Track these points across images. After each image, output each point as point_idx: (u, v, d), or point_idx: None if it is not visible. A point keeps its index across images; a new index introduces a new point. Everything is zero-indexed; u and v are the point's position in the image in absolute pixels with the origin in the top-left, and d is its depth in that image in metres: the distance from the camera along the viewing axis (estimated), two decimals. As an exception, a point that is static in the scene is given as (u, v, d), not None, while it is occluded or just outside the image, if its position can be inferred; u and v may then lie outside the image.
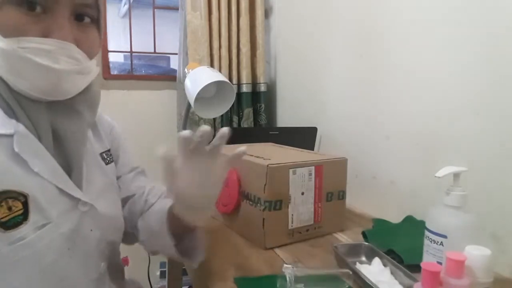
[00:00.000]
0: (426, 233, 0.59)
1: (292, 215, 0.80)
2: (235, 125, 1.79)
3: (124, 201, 0.72)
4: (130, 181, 0.74)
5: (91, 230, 0.57)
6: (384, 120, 1.04)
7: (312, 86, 1.45)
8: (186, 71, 1.16)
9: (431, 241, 0.58)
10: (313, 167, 0.81)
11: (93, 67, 0.56)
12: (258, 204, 0.77)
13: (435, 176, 0.57)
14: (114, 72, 2.09)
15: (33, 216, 0.49)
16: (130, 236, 0.73)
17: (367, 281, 0.58)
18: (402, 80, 0.97)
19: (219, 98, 1.15)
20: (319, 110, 1.39)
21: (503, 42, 0.70)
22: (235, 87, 1.74)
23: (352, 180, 0.99)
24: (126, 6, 4.48)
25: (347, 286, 0.59)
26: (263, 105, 1.81)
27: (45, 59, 0.47)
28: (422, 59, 0.90)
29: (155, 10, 2.04)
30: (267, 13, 1.83)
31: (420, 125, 0.91)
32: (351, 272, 0.60)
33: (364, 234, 0.83)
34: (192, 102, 1.08)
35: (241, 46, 1.76)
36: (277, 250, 0.77)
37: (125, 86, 1.85)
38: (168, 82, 1.89)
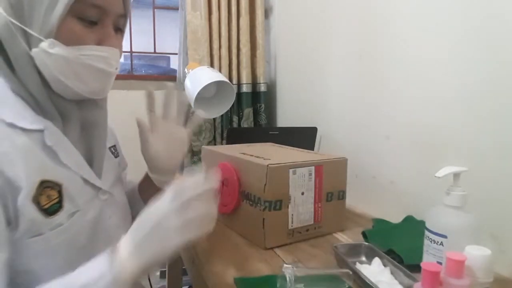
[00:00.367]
0: (426, 233, 0.59)
1: (292, 215, 0.80)
2: (235, 125, 1.80)
3: None
4: (124, 179, 0.79)
5: (110, 217, 0.63)
6: (384, 120, 1.04)
7: (312, 86, 1.45)
8: (186, 71, 1.16)
9: (431, 241, 0.58)
10: (313, 167, 0.81)
11: None
12: (258, 204, 0.77)
13: (435, 176, 0.57)
14: (114, 72, 2.08)
15: (66, 204, 0.54)
16: None
17: (367, 281, 0.58)
18: (402, 80, 0.97)
19: (219, 98, 1.15)
20: (319, 110, 1.39)
21: (503, 42, 0.70)
22: (235, 87, 1.74)
23: (352, 180, 0.99)
24: (126, 6, 4.47)
25: (347, 286, 0.59)
26: (263, 105, 1.81)
27: (102, 64, 0.55)
28: (422, 59, 0.90)
29: (155, 10, 2.05)
30: (267, 13, 1.83)
31: (420, 125, 0.91)
32: (351, 272, 0.60)
33: (364, 234, 0.83)
34: (192, 102, 1.08)
35: (241, 46, 1.76)
36: (277, 250, 0.77)
37: (125, 86, 1.85)
38: (168, 82, 1.89)
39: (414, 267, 0.61)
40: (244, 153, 0.88)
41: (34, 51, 0.51)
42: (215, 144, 1.78)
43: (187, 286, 1.55)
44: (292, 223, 0.80)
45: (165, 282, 1.42)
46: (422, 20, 0.90)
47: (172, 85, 0.57)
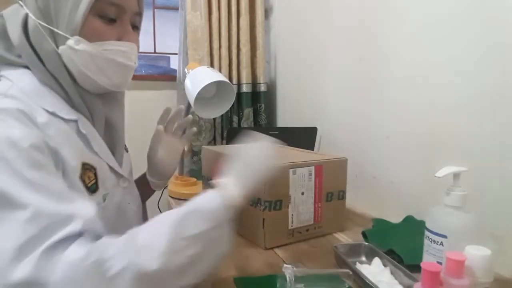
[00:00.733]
0: (426, 233, 0.59)
1: (292, 215, 0.80)
2: (235, 125, 1.79)
3: None
4: None
5: (129, 203, 0.69)
6: (384, 120, 1.04)
7: (312, 86, 1.45)
8: (186, 71, 1.16)
9: (431, 241, 0.58)
10: (313, 167, 0.81)
11: None
12: (258, 204, 0.77)
13: (435, 176, 0.57)
14: (114, 72, 2.08)
15: (100, 186, 0.60)
16: None
17: (367, 281, 0.58)
18: (402, 80, 0.97)
19: (219, 98, 1.15)
20: (319, 110, 1.39)
21: (503, 42, 0.70)
22: (235, 87, 1.74)
23: (352, 180, 0.99)
24: (126, 6, 4.47)
25: (347, 286, 0.59)
26: (263, 105, 1.81)
27: (122, 58, 0.59)
28: (422, 59, 0.90)
29: (155, 10, 2.05)
30: (267, 13, 1.83)
31: (420, 125, 0.91)
32: (351, 272, 0.60)
33: (364, 234, 0.83)
34: (192, 102, 1.08)
35: (241, 46, 1.76)
36: (277, 250, 0.77)
37: (125, 86, 1.84)
38: (168, 82, 1.89)
39: (414, 267, 0.61)
40: (244, 153, 0.88)
41: (62, 49, 0.56)
42: (215, 144, 1.78)
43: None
44: (292, 223, 0.80)
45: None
46: (422, 21, 0.90)
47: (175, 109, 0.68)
